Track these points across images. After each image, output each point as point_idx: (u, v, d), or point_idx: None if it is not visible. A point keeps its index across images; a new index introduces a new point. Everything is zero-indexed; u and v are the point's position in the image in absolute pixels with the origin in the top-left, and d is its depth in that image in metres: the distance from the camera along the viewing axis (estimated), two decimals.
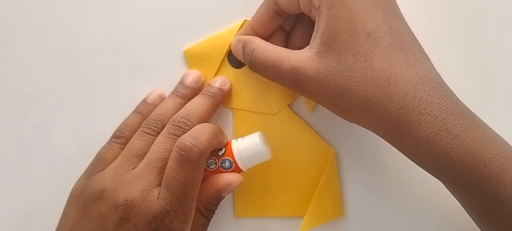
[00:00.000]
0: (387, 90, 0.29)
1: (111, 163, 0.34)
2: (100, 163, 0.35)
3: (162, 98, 0.38)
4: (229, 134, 0.39)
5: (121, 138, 0.36)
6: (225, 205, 0.38)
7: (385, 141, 0.39)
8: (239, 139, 0.35)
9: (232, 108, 0.38)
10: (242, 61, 0.36)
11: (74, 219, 0.33)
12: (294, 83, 0.32)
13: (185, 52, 0.38)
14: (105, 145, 0.36)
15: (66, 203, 0.34)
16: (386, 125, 0.30)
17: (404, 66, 0.29)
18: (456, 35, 0.39)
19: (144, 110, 0.37)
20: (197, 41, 0.38)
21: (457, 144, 0.28)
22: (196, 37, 0.38)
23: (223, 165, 0.34)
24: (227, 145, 0.35)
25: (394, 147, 0.31)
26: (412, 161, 0.31)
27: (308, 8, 0.32)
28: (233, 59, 0.38)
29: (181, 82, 0.37)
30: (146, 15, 0.39)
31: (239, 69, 0.38)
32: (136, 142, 0.34)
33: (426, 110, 0.29)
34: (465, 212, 0.38)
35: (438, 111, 0.29)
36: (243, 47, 0.35)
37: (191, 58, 0.38)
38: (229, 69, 0.38)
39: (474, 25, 0.39)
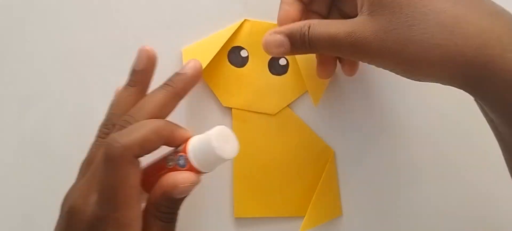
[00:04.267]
0: (458, 30, 0.26)
1: None
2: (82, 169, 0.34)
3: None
4: None
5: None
6: (224, 205, 0.38)
7: (384, 141, 0.39)
8: (201, 134, 0.30)
9: (231, 108, 0.39)
10: (284, 54, 0.33)
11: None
12: (353, 49, 0.29)
13: (184, 52, 0.38)
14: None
15: None
16: (462, 71, 0.26)
17: (470, 3, 0.26)
18: None
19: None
20: (197, 40, 0.38)
21: None
22: (196, 37, 0.38)
23: (178, 162, 0.30)
24: (187, 139, 0.31)
25: (474, 97, 0.28)
26: (494, 117, 0.27)
27: None
28: (234, 58, 0.38)
29: (131, 68, 0.34)
30: (146, 15, 0.39)
31: (240, 69, 0.38)
32: (91, 149, 0.33)
33: (511, 46, 0.25)
34: (463, 212, 0.38)
35: None
36: (290, 35, 0.32)
37: (190, 58, 0.38)
38: (229, 68, 0.38)
39: None
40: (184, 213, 0.38)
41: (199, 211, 0.39)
